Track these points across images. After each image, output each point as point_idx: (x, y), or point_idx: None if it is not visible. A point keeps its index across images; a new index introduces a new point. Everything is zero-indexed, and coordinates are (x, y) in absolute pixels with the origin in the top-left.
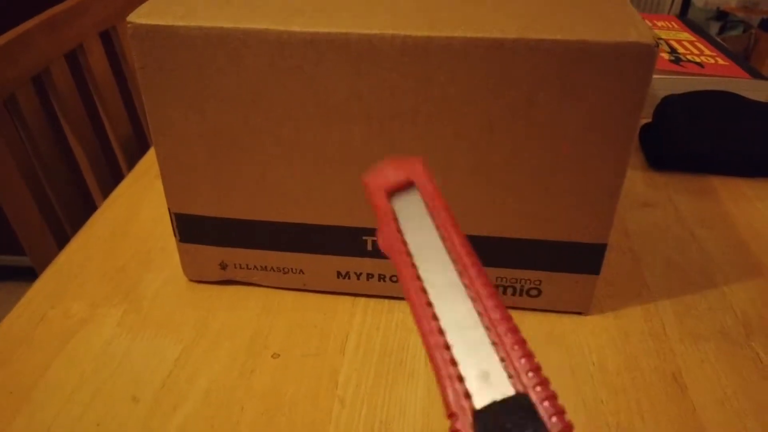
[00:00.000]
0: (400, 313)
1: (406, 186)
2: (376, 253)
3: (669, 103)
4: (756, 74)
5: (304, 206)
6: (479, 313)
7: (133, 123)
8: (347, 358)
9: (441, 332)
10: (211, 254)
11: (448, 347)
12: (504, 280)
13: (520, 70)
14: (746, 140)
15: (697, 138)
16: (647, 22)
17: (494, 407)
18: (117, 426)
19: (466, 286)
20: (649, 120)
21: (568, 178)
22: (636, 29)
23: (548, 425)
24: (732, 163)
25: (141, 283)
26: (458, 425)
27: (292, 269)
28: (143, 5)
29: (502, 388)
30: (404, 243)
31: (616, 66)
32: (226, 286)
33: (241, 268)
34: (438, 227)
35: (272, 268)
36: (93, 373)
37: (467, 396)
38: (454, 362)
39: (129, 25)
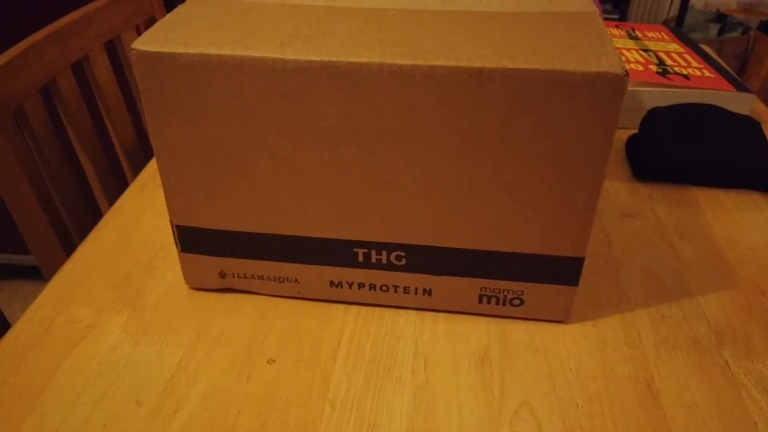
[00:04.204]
0: (389, 320)
1: None
2: (367, 264)
3: (653, 115)
4: (740, 87)
5: (299, 220)
6: None
7: (138, 131)
8: (338, 364)
9: None
10: (211, 264)
11: None
12: (488, 290)
13: (498, 97)
14: (727, 152)
15: (680, 150)
16: (619, 51)
17: None
18: (121, 428)
19: None
20: (636, 131)
21: (545, 197)
22: (607, 59)
23: None
24: (713, 175)
25: (144, 290)
26: None
27: (287, 278)
28: (147, 32)
29: None
30: None
31: (587, 94)
32: (225, 294)
33: (239, 277)
34: None
35: (268, 277)
36: (98, 377)
37: None
38: None
39: (133, 52)
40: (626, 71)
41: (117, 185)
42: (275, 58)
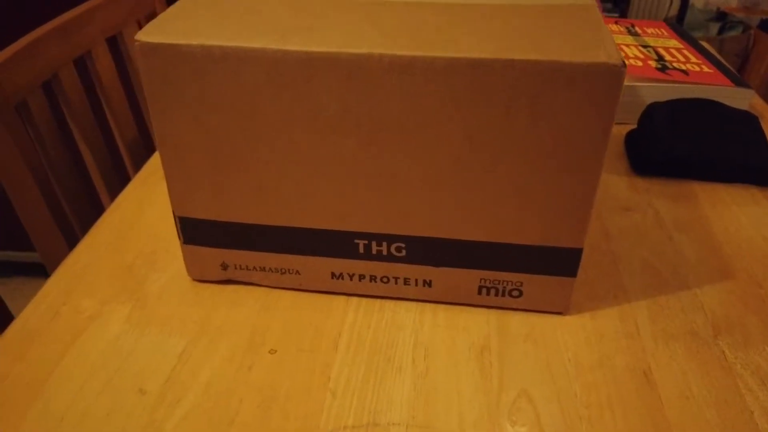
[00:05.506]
0: (389, 312)
1: None
2: (368, 256)
3: (653, 110)
4: (739, 82)
5: (300, 211)
6: None
7: (139, 126)
8: (339, 354)
9: None
10: (213, 255)
11: None
12: (487, 281)
13: (496, 87)
14: (725, 147)
15: (679, 144)
16: (617, 44)
17: None
18: (125, 416)
19: None
20: (635, 126)
21: (543, 187)
22: (605, 50)
23: None
24: (711, 169)
25: (147, 282)
26: None
27: (289, 270)
28: (150, 23)
29: None
30: None
31: (585, 84)
32: (227, 286)
33: (241, 268)
34: None
35: (270, 268)
36: (102, 367)
37: None
38: None
39: (136, 43)
40: (624, 62)
41: (119, 180)
42: (276, 50)
